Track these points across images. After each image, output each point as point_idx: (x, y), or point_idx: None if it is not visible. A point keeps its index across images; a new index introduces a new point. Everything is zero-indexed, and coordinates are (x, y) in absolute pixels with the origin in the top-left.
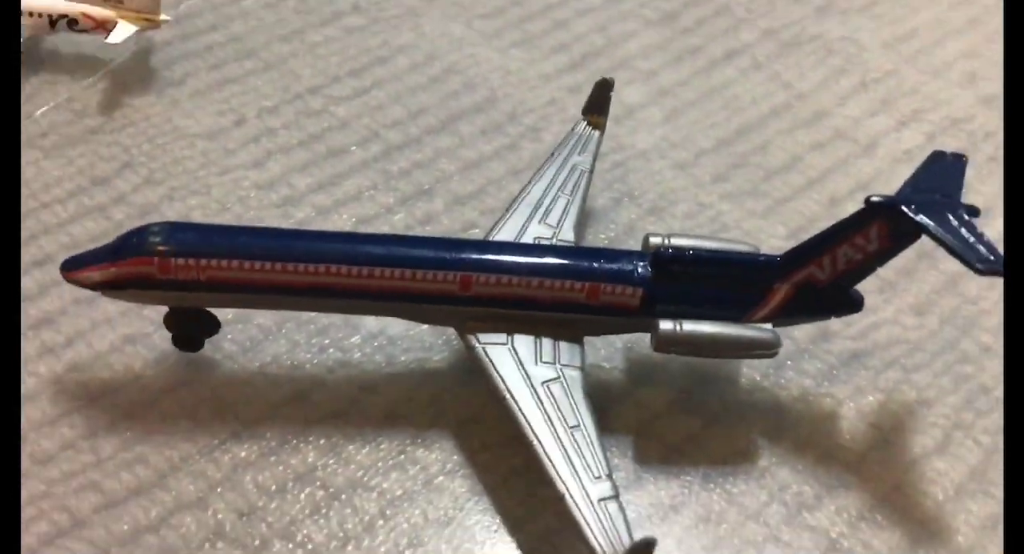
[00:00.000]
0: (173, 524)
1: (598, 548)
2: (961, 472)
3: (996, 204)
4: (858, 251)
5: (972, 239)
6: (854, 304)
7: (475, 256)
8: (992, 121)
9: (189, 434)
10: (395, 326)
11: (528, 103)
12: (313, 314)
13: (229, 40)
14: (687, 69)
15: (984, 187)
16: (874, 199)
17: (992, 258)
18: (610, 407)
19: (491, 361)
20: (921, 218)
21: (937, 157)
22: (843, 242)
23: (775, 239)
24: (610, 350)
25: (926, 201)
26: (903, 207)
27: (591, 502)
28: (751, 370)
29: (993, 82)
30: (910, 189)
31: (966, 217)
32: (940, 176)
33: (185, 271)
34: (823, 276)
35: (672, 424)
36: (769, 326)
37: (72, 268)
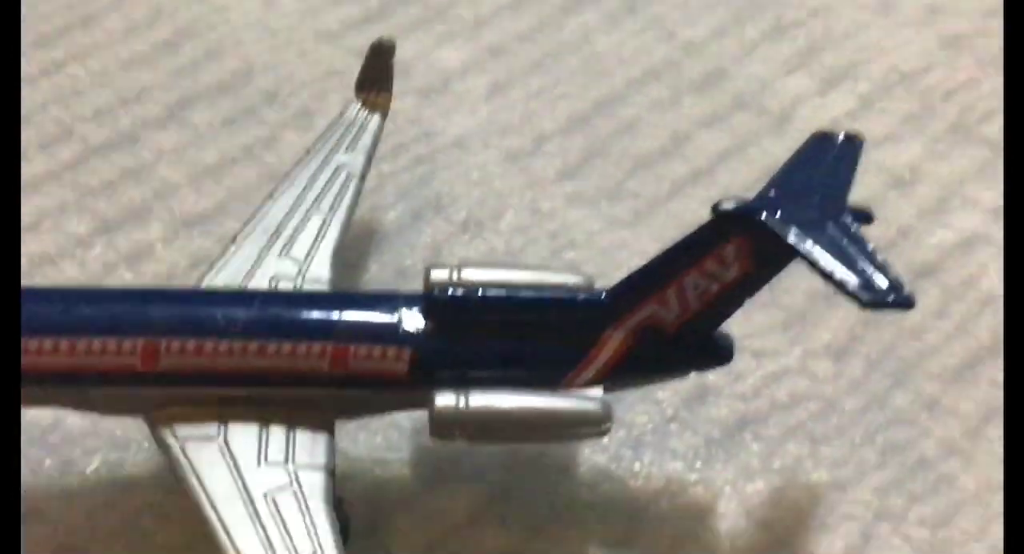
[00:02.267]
0: None
1: None
2: None
3: (957, 191)
4: (712, 280)
5: (859, 258)
6: (720, 353)
7: (165, 313)
8: (959, 72)
9: None
10: (74, 418)
11: (298, 76)
12: None
13: None
14: (528, 18)
15: (940, 168)
16: (724, 206)
17: (884, 286)
18: (389, 520)
19: (191, 465)
20: (786, 231)
21: (819, 141)
22: (691, 268)
23: (643, 258)
24: (394, 433)
25: (798, 207)
26: (764, 216)
27: None
28: (595, 453)
29: (961, 17)
30: (776, 189)
31: (853, 227)
32: (823, 169)
33: None
34: (670, 316)
35: (479, 539)
36: (597, 392)
37: None
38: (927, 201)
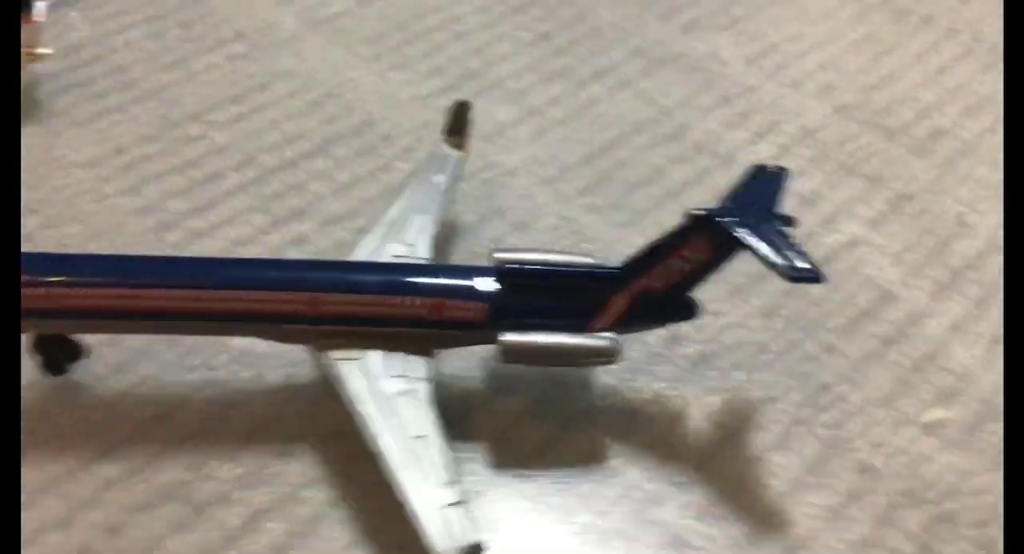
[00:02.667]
0: (38, 542)
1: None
2: (799, 466)
3: (845, 208)
4: (686, 262)
5: (785, 248)
6: (690, 311)
7: (323, 276)
8: (846, 129)
9: (56, 455)
10: (262, 344)
11: (403, 125)
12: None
13: (112, 71)
14: (557, 88)
15: (833, 193)
16: (693, 211)
17: (803, 266)
18: (468, 416)
19: (342, 377)
20: (736, 229)
21: (758, 171)
22: (672, 254)
23: (634, 250)
24: (468, 361)
25: (743, 213)
26: (719, 218)
27: (434, 508)
28: (605, 376)
29: (848, 92)
30: (730, 202)
31: (781, 228)
32: (760, 189)
33: (43, 300)
34: (657, 285)
35: (527, 431)
36: (611, 335)
37: None
38: (824, 215)
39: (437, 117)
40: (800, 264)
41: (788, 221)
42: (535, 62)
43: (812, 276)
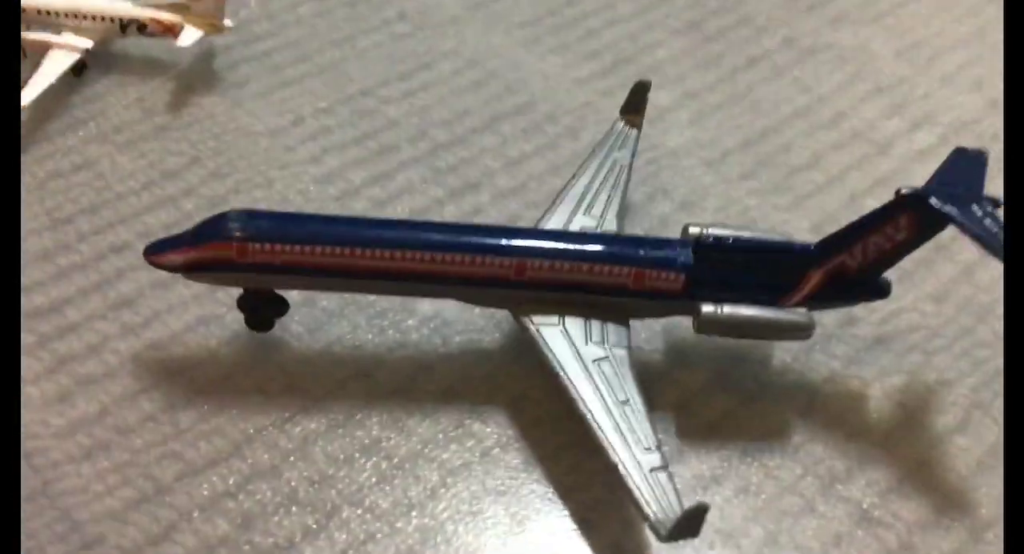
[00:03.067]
0: (250, 491)
1: (652, 515)
2: (981, 449)
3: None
4: (887, 240)
5: (995, 229)
6: (882, 290)
7: (529, 243)
8: (998, 123)
9: (261, 408)
10: (449, 310)
11: (565, 105)
12: (372, 298)
13: (285, 45)
14: (712, 75)
15: (991, 185)
16: (904, 191)
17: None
18: (651, 385)
19: (545, 341)
20: (948, 208)
21: (959, 153)
22: (873, 232)
23: (800, 232)
24: (650, 332)
25: (951, 193)
26: (931, 198)
27: (643, 472)
28: (782, 353)
29: (998, 88)
30: (936, 182)
31: (989, 208)
32: (963, 171)
33: (260, 255)
34: (854, 264)
35: (710, 402)
36: (804, 310)
37: (156, 252)
38: None
39: (597, 99)
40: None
41: (995, 203)
42: (688, 49)
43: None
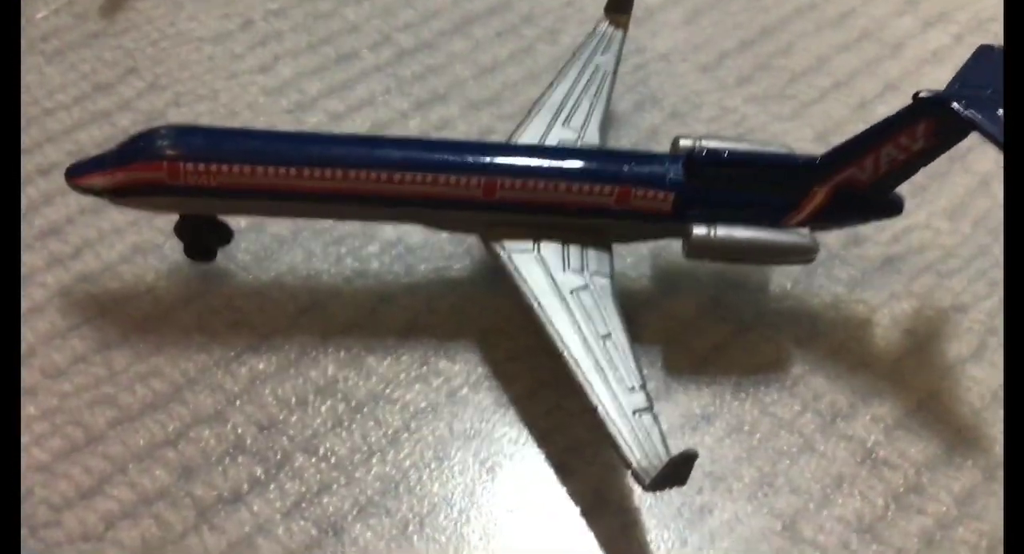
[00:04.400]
0: (191, 438)
1: (634, 462)
2: (997, 380)
3: None
4: (902, 151)
5: None
6: (894, 207)
7: (500, 160)
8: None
9: (204, 346)
10: (413, 235)
11: (544, 4)
12: (329, 223)
13: None
14: None
15: None
16: (922, 95)
17: None
18: (637, 316)
19: (517, 269)
20: (971, 114)
21: (983, 51)
22: (887, 141)
23: (803, 143)
24: (636, 258)
25: (975, 97)
26: (953, 102)
27: (626, 414)
28: (781, 277)
29: None
30: (958, 85)
31: None
32: (987, 71)
33: (195, 176)
34: (864, 177)
35: (701, 333)
36: (806, 230)
37: (77, 174)
38: None
39: None
40: None
41: None
42: None
43: None
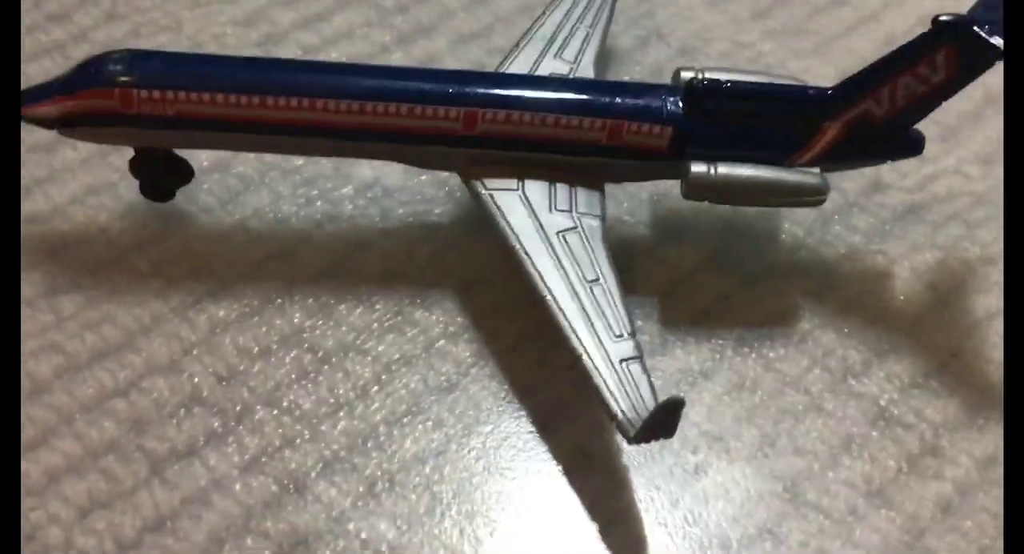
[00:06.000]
0: (144, 388)
1: (619, 412)
2: None
3: None
4: (921, 82)
5: None
6: (914, 145)
7: (482, 90)
8: None
9: (161, 292)
10: (391, 176)
11: None
12: (300, 161)
13: None
14: None
15: None
16: (943, 18)
17: None
18: (634, 265)
19: (499, 209)
20: (998, 40)
21: None
22: (904, 72)
23: (824, 81)
24: (634, 202)
25: (997, 24)
26: (976, 27)
27: (611, 363)
28: (793, 226)
29: None
30: (983, 9)
31: None
32: None
33: (150, 105)
34: (880, 112)
35: (703, 284)
36: (816, 170)
37: (24, 103)
38: None
39: None
40: None
41: None
42: None
43: None
